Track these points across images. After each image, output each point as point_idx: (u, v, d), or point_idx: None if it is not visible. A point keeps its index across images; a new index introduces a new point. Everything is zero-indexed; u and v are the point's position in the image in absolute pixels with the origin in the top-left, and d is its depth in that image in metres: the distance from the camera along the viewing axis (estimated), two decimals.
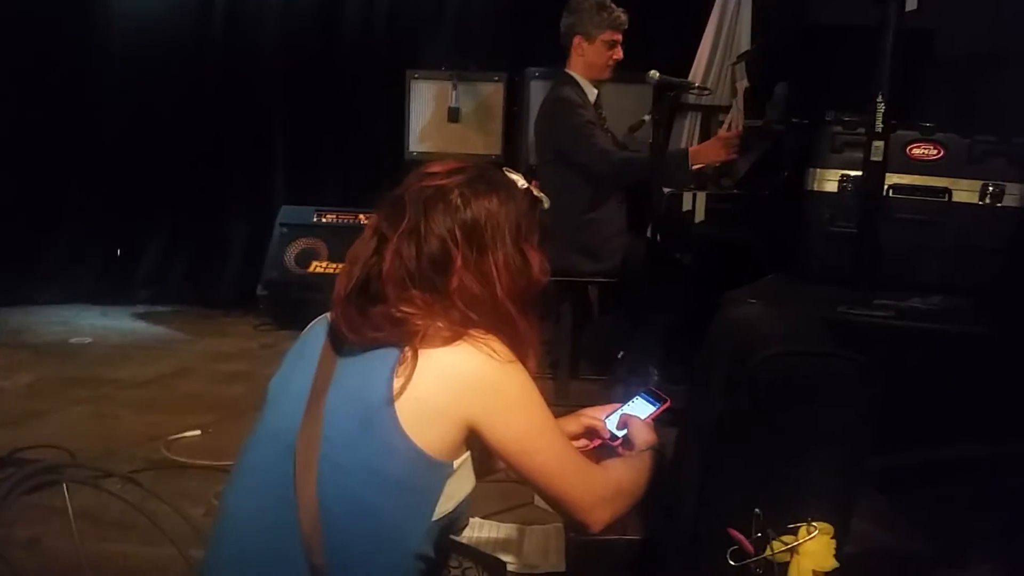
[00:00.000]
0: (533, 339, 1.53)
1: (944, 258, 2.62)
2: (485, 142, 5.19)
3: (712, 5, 4.93)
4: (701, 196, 3.36)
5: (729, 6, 4.88)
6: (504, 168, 1.62)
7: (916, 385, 2.26)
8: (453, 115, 5.18)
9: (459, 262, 1.46)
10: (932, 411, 2.29)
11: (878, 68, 2.62)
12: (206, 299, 5.64)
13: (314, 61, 5.71)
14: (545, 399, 1.49)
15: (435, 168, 1.55)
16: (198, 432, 3.35)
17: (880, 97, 2.60)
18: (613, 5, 3.80)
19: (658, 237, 3.60)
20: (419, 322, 1.41)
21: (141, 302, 5.71)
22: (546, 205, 1.62)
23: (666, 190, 3.65)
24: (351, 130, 5.68)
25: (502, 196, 1.52)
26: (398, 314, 1.42)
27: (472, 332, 1.42)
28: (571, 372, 4.11)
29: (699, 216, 3.34)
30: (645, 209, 3.76)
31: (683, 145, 4.86)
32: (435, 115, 5.22)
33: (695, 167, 3.61)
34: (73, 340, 4.84)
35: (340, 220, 5.26)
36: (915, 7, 2.68)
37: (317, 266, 5.11)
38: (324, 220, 5.28)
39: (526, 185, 1.59)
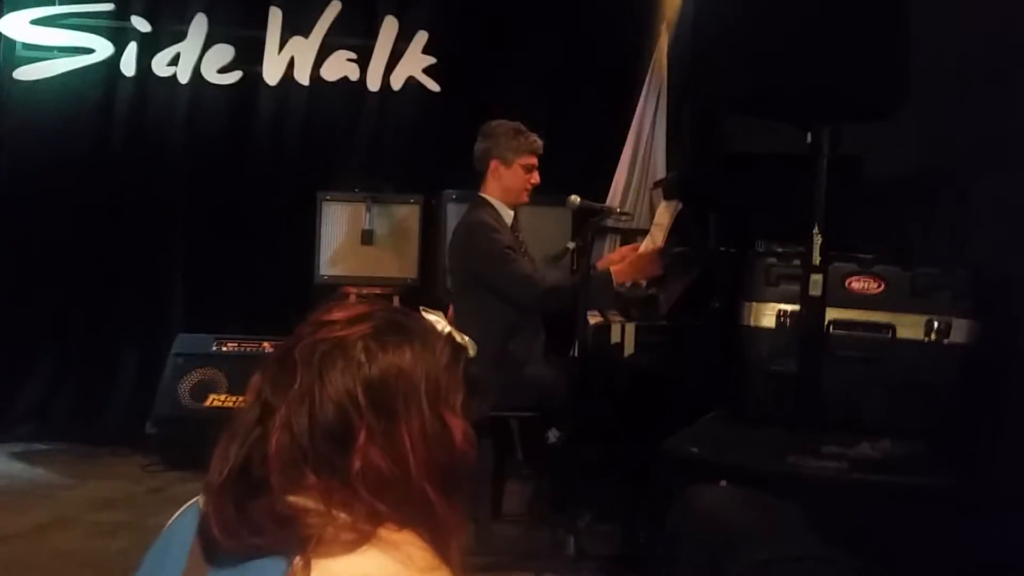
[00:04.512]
0: (457, 526, 1.25)
1: (891, 398, 2.46)
2: (400, 265, 5.02)
3: (628, 129, 4.93)
4: (631, 328, 3.18)
5: (644, 130, 4.89)
6: (421, 308, 1.37)
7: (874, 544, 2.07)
8: (367, 237, 5.00)
9: (363, 435, 1.18)
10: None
11: (813, 198, 2.52)
12: (91, 436, 5.14)
13: (219, 180, 5.44)
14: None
15: (334, 315, 1.27)
16: None
17: (817, 228, 2.49)
18: (528, 130, 3.72)
19: (584, 370, 3.40)
20: (312, 521, 1.11)
21: (21, 439, 5.18)
22: (472, 352, 1.37)
23: (592, 321, 3.47)
24: (257, 252, 5.40)
25: (417, 348, 1.25)
26: (286, 510, 1.12)
27: (382, 530, 1.13)
28: (493, 512, 3.84)
29: (628, 349, 3.15)
30: (566, 339, 3.58)
31: None
32: (348, 237, 5.04)
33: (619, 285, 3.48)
34: None
35: (242, 349, 4.88)
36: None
37: (215, 399, 4.71)
38: (224, 349, 4.89)
39: (447, 329, 1.33)
